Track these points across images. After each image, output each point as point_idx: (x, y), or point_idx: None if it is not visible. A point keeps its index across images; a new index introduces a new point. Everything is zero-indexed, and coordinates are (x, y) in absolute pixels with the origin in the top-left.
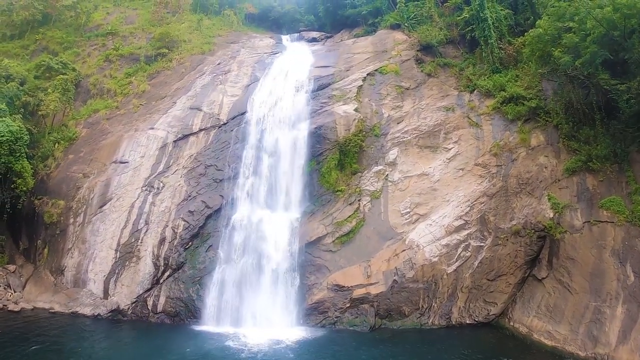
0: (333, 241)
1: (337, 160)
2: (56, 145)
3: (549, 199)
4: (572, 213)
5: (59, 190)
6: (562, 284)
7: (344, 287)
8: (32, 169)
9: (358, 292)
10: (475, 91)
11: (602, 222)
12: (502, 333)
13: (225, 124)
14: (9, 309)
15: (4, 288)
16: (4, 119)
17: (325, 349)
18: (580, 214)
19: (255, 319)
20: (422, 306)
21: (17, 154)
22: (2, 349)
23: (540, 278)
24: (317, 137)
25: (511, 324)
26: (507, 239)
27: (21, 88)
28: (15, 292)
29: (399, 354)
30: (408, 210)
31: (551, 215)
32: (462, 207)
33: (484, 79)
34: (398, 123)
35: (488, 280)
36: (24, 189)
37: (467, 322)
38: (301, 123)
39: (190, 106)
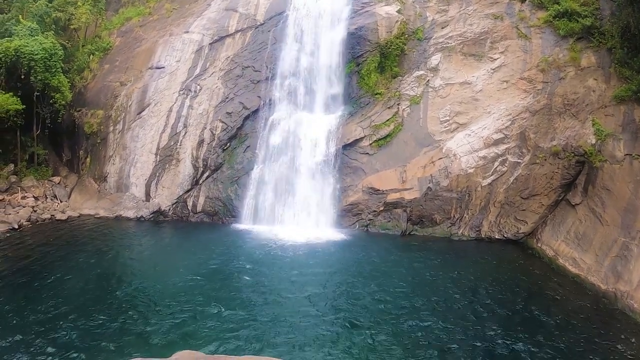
0: (370, 144)
1: (377, 63)
2: (91, 57)
3: (593, 125)
4: (614, 143)
5: (97, 101)
6: (594, 213)
7: (378, 190)
8: (69, 82)
9: (392, 197)
10: (527, 1)
11: None
12: (528, 253)
13: (262, 24)
14: (57, 218)
15: (51, 199)
16: (36, 37)
17: (358, 249)
18: (623, 145)
19: (291, 218)
20: (454, 216)
21: (53, 70)
22: (56, 253)
23: (573, 204)
24: (358, 38)
25: (539, 245)
26: (545, 159)
27: (50, 4)
28: (61, 201)
29: (427, 260)
30: (447, 118)
31: (593, 141)
32: (502, 121)
33: None
34: (442, 28)
35: (521, 198)
36: (63, 102)
37: (496, 237)
38: (341, 23)
39: (226, 7)
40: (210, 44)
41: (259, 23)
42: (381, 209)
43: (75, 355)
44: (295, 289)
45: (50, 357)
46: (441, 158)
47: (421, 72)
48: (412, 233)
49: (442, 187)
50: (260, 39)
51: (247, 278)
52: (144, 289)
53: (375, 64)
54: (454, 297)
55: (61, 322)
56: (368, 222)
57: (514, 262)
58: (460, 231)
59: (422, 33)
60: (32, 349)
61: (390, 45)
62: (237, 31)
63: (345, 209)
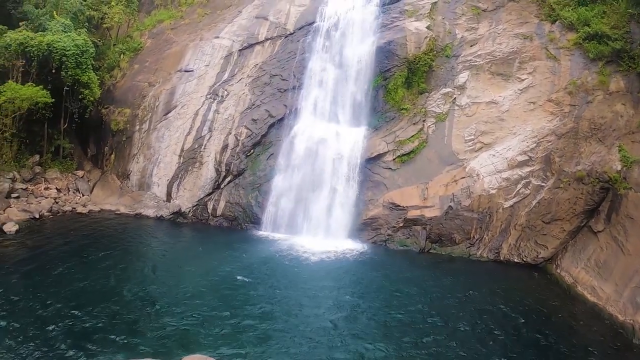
0: (393, 159)
1: (405, 78)
2: (121, 56)
3: (619, 151)
4: None
5: (125, 99)
6: (616, 242)
7: (399, 206)
8: (98, 79)
9: (412, 213)
10: (557, 22)
11: None
12: (547, 278)
13: (291, 34)
14: (77, 211)
15: (73, 192)
16: (69, 33)
17: (375, 263)
18: None
19: (310, 228)
20: (473, 236)
21: (84, 66)
22: (72, 245)
23: (595, 231)
24: (386, 52)
25: (558, 270)
26: (569, 184)
27: (84, 3)
28: (83, 195)
29: (444, 279)
30: (472, 137)
31: (619, 167)
32: (528, 143)
33: (568, 10)
34: (471, 46)
35: (543, 222)
36: (91, 99)
37: (515, 260)
38: (370, 37)
39: (256, 15)
40: (239, 50)
41: (288, 32)
42: (401, 225)
43: (82, 346)
44: (309, 300)
45: (57, 348)
46: (464, 177)
47: (448, 89)
48: (430, 251)
49: (464, 207)
50: (290, 48)
51: (261, 285)
52: (158, 288)
53: (402, 79)
54: (467, 319)
55: (70, 314)
56: (387, 237)
57: (531, 287)
58: (479, 252)
59: (450, 50)
60: (39, 338)
61: (419, 61)
62: (266, 39)
63: (364, 222)
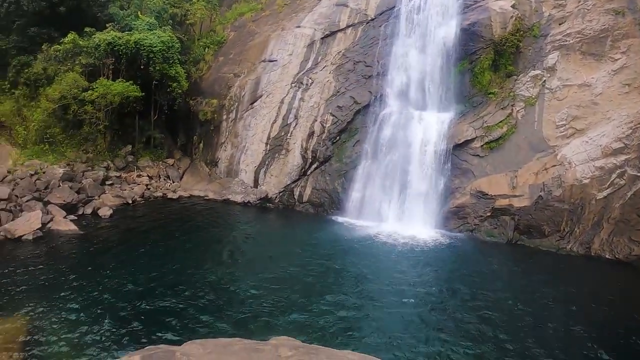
0: (481, 146)
1: (491, 61)
2: (206, 49)
3: None
4: None
5: (212, 90)
6: None
7: (487, 194)
8: (185, 73)
9: (501, 202)
10: None
11: None
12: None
13: (373, 19)
14: (168, 196)
15: (164, 179)
16: (154, 31)
17: (461, 254)
18: None
19: (396, 216)
20: (564, 229)
21: (171, 61)
22: (163, 227)
23: None
24: (471, 34)
25: None
26: None
27: (167, 1)
28: (173, 182)
29: (532, 273)
30: (564, 122)
31: None
32: (623, 129)
33: None
34: (560, 24)
35: (638, 216)
36: (179, 91)
37: (607, 256)
38: (453, 18)
39: (336, 2)
40: (321, 38)
41: (369, 18)
42: (488, 214)
43: (167, 324)
44: (391, 290)
45: (142, 325)
46: (555, 165)
47: (537, 71)
48: (518, 243)
49: (554, 197)
50: (372, 34)
51: (346, 272)
52: (242, 271)
53: (489, 61)
54: (556, 321)
55: (156, 292)
56: (474, 227)
57: (623, 285)
58: (569, 246)
59: (538, 29)
60: (127, 314)
61: (505, 42)
62: (348, 26)
63: (451, 211)
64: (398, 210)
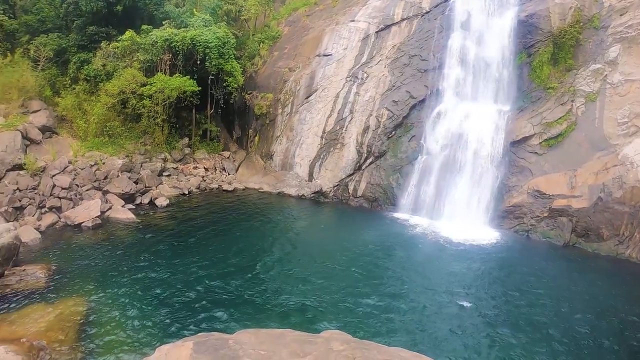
0: (540, 143)
1: (550, 54)
2: (261, 44)
3: None
4: None
5: (267, 85)
6: None
7: (544, 194)
8: (240, 67)
9: (558, 203)
10: None
11: None
12: None
13: (428, 12)
14: (223, 188)
15: (220, 171)
16: (210, 27)
17: (517, 255)
18: None
19: (451, 213)
20: (623, 233)
21: (226, 56)
22: (218, 218)
23: None
24: (528, 26)
25: None
26: None
27: None
28: (229, 174)
29: (589, 279)
30: (626, 120)
31: None
32: None
33: None
34: (621, 15)
35: None
36: (235, 85)
37: None
38: (510, 10)
39: None
40: (376, 32)
41: (424, 11)
42: (545, 215)
43: (217, 312)
44: (445, 289)
45: (195, 311)
46: (616, 165)
47: (598, 65)
48: (575, 245)
49: (614, 199)
50: (427, 27)
51: (396, 269)
52: (293, 263)
53: (547, 55)
54: (612, 335)
55: (209, 280)
56: (530, 227)
57: None
58: (628, 252)
59: (598, 21)
60: (180, 300)
61: (564, 35)
62: (402, 19)
63: (507, 210)
64: (453, 207)
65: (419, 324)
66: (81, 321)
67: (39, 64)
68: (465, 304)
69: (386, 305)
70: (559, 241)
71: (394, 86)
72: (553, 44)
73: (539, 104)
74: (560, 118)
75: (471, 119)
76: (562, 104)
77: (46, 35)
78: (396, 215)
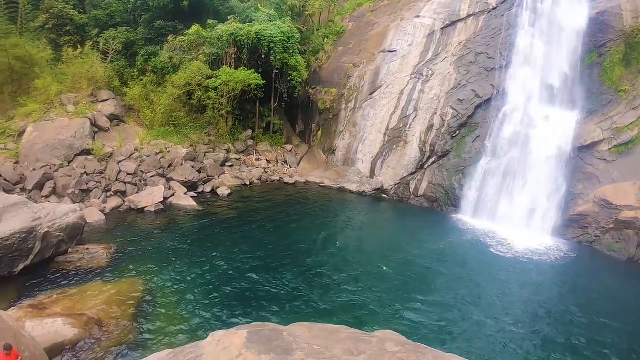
0: (609, 149)
1: (622, 54)
2: (325, 39)
3: None
4: None
5: (331, 80)
6: None
7: (612, 204)
8: (305, 62)
9: (626, 214)
10: None
11: None
12: None
13: (494, 8)
14: (284, 181)
15: (281, 164)
16: (274, 22)
17: (577, 267)
18: None
19: (512, 218)
20: None
21: (291, 51)
22: (278, 209)
23: None
24: (599, 24)
25: None
26: None
27: None
28: (290, 167)
29: None
30: None
31: None
32: None
33: None
34: None
35: None
36: (299, 80)
37: None
38: (580, 7)
39: None
40: (441, 28)
41: (491, 7)
42: (611, 226)
43: (269, 302)
44: (501, 298)
45: (243, 300)
46: None
47: None
48: (639, 261)
49: None
50: (494, 24)
51: (452, 273)
52: (350, 260)
53: (620, 55)
54: None
55: (260, 272)
56: (594, 238)
57: None
58: None
59: None
60: (229, 289)
61: (637, 34)
62: (469, 15)
63: (571, 218)
64: (515, 212)
65: (471, 332)
66: (137, 301)
67: (108, 56)
68: (520, 315)
69: (437, 309)
70: (623, 255)
71: (459, 84)
72: (625, 44)
73: (610, 107)
74: (631, 123)
75: (538, 121)
76: (634, 109)
77: (115, 29)
78: (456, 217)
